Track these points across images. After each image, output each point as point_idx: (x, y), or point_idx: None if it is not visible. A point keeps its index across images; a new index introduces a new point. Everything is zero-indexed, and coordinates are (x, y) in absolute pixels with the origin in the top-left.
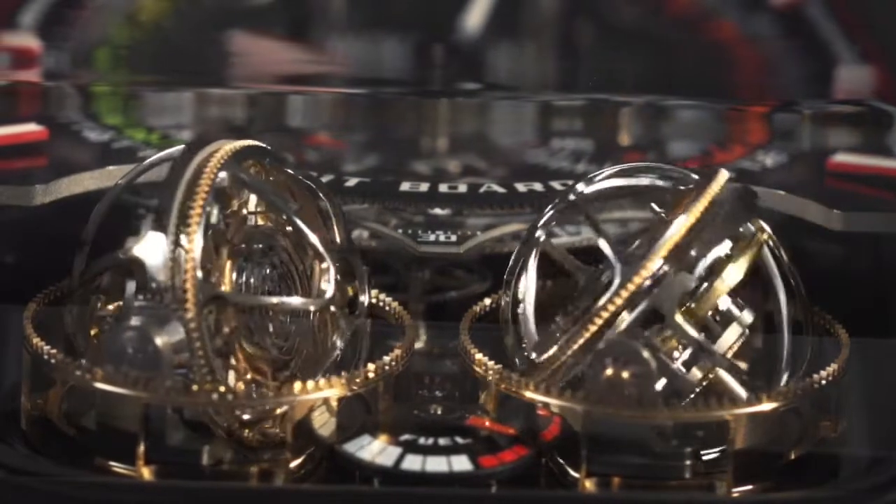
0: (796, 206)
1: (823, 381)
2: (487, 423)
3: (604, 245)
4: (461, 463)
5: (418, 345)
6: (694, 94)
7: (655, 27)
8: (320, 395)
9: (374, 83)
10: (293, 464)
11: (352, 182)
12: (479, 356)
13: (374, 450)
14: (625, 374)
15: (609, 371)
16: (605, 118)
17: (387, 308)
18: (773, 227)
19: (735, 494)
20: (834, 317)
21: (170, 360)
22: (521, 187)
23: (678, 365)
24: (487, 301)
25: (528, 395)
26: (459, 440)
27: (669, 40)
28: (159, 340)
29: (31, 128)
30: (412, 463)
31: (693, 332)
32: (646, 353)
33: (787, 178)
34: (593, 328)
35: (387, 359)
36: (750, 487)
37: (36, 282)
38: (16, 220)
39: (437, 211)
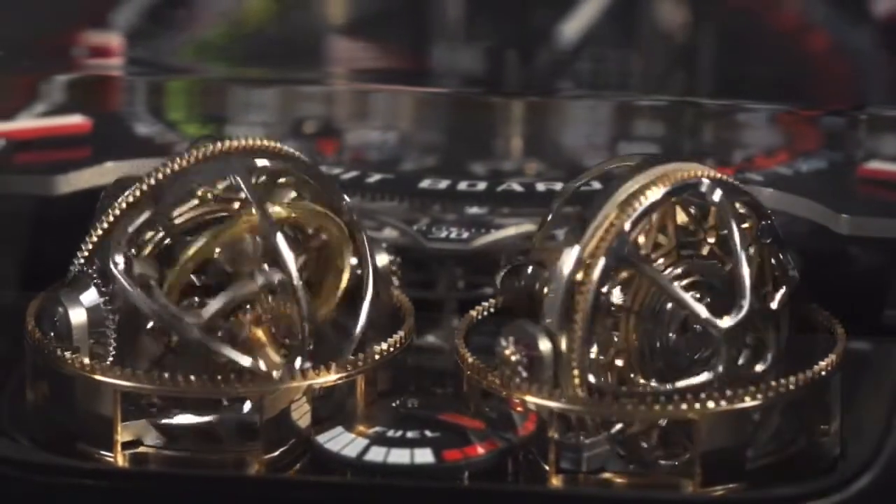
0: (804, 208)
1: (798, 382)
2: (460, 418)
3: None
4: (424, 456)
5: (431, 339)
6: (762, 99)
7: (747, 34)
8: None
9: (464, 84)
10: (268, 454)
11: (373, 178)
12: (463, 351)
13: (343, 441)
14: (517, 357)
15: (506, 351)
16: (674, 122)
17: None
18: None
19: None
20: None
21: (82, 335)
22: (540, 186)
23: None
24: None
25: (505, 391)
26: (428, 433)
27: (758, 46)
28: (73, 316)
29: (74, 119)
30: (375, 455)
31: None
32: (543, 341)
33: (817, 184)
34: None
35: (368, 351)
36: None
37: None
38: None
39: (473, 210)
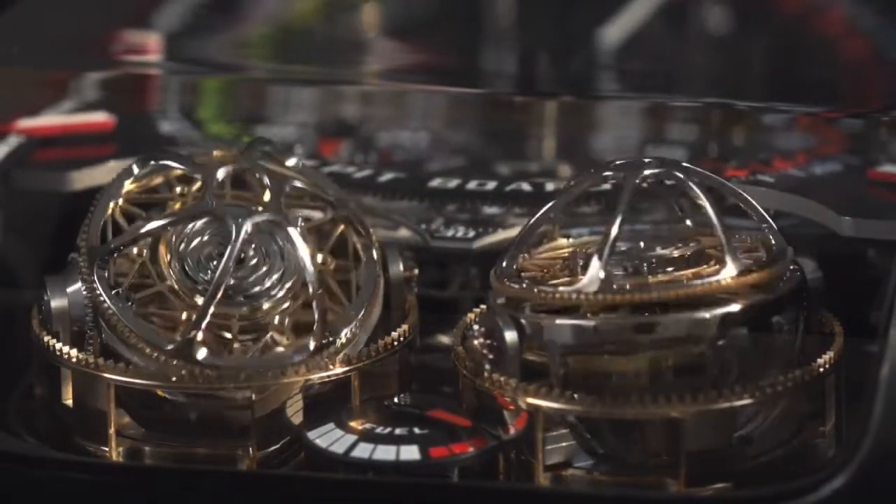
0: (808, 210)
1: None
2: (450, 416)
3: None
4: (410, 453)
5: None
6: (793, 102)
7: (788, 37)
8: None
9: (500, 84)
10: (261, 450)
11: (384, 178)
12: (458, 349)
13: (333, 437)
14: (485, 349)
15: (475, 342)
16: (703, 125)
17: None
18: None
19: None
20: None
21: (63, 321)
22: (549, 186)
23: None
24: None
25: (496, 389)
26: (416, 431)
27: (795, 51)
28: (54, 302)
29: (96, 117)
30: (362, 451)
31: None
32: (509, 332)
33: (825, 186)
34: None
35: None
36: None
37: None
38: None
39: (489, 209)
